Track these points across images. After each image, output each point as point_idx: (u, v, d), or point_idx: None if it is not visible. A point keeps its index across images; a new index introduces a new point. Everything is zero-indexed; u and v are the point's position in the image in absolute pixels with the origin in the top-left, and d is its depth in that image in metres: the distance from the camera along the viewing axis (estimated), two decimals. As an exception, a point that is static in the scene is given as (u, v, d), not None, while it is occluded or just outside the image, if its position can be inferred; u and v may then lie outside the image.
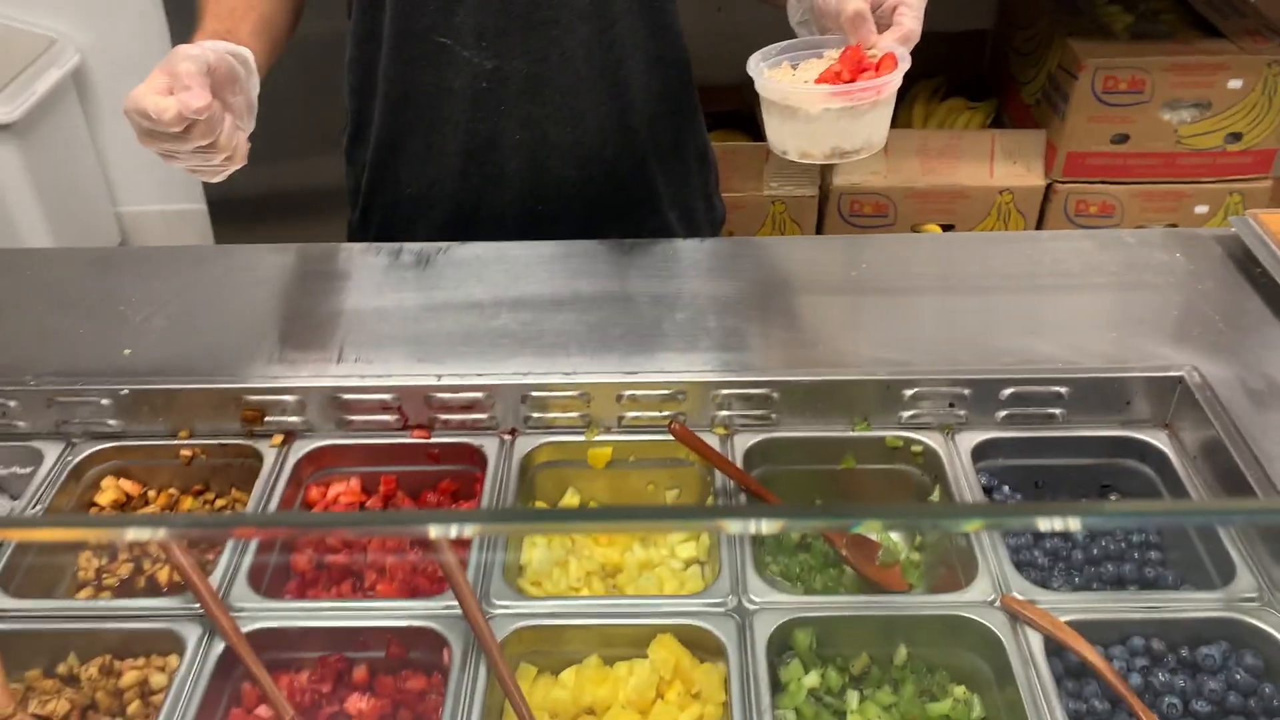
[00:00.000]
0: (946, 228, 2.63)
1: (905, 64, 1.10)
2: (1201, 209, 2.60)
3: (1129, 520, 0.55)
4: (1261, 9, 2.63)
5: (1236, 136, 2.53)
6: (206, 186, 3.08)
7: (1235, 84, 2.46)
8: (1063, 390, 1.15)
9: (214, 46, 1.12)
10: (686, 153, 1.49)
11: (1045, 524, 0.47)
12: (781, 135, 1.15)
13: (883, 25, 1.14)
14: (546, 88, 1.33)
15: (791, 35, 1.23)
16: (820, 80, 1.11)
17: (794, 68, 1.18)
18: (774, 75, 1.16)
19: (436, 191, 1.41)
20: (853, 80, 1.09)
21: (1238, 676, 0.94)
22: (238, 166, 1.13)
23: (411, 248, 1.38)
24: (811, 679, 0.97)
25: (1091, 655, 0.94)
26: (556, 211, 1.41)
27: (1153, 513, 0.53)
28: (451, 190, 1.41)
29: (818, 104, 1.10)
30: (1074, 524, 0.47)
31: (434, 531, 0.50)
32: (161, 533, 0.53)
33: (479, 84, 1.32)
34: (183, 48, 1.10)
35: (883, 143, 1.15)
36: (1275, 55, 2.43)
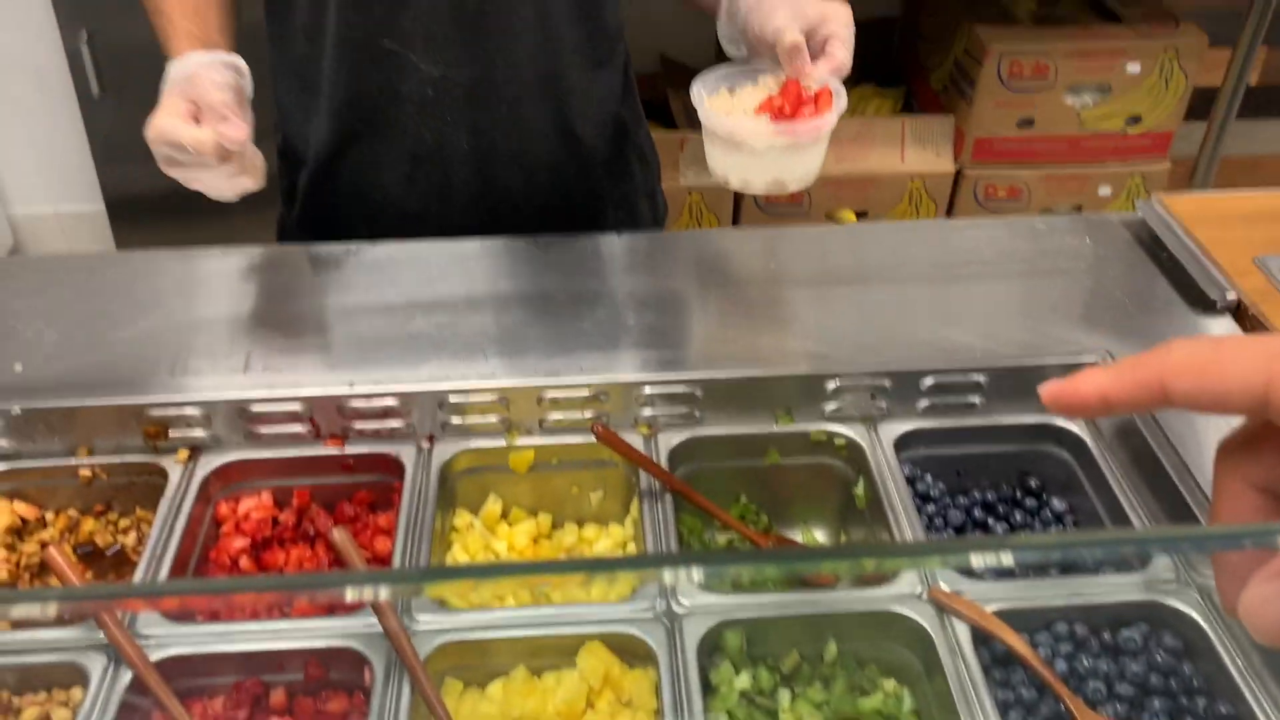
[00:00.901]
0: (860, 215, 2.65)
1: (842, 100, 1.14)
2: (1105, 191, 2.67)
3: (1072, 552, 0.55)
4: (1157, -6, 2.70)
5: (1136, 119, 2.59)
6: (104, 186, 2.97)
7: (1134, 68, 2.52)
8: (981, 379, 1.16)
9: (214, 61, 1.12)
10: (629, 153, 1.47)
11: (978, 560, 0.46)
12: (724, 165, 1.18)
13: (814, 55, 1.16)
14: (492, 96, 1.31)
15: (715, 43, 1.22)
16: (759, 110, 1.14)
17: (731, 93, 1.20)
18: (714, 103, 1.18)
19: (380, 196, 1.38)
20: (794, 114, 1.12)
21: (1158, 658, 0.96)
22: (257, 187, 1.13)
23: (320, 250, 1.33)
24: (743, 680, 0.96)
25: (1017, 643, 0.95)
26: (502, 218, 1.39)
27: (1104, 541, 0.53)
28: (396, 196, 1.37)
29: (763, 140, 1.13)
30: (1007, 559, 0.46)
31: (349, 594, 0.47)
32: (51, 608, 0.49)
33: (425, 90, 1.29)
34: (204, 71, 1.11)
35: (817, 174, 1.18)
36: (1171, 40, 2.50)
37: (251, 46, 1.27)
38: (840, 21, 1.16)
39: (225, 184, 1.12)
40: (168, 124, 1.07)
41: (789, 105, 1.13)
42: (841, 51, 1.15)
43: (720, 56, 1.26)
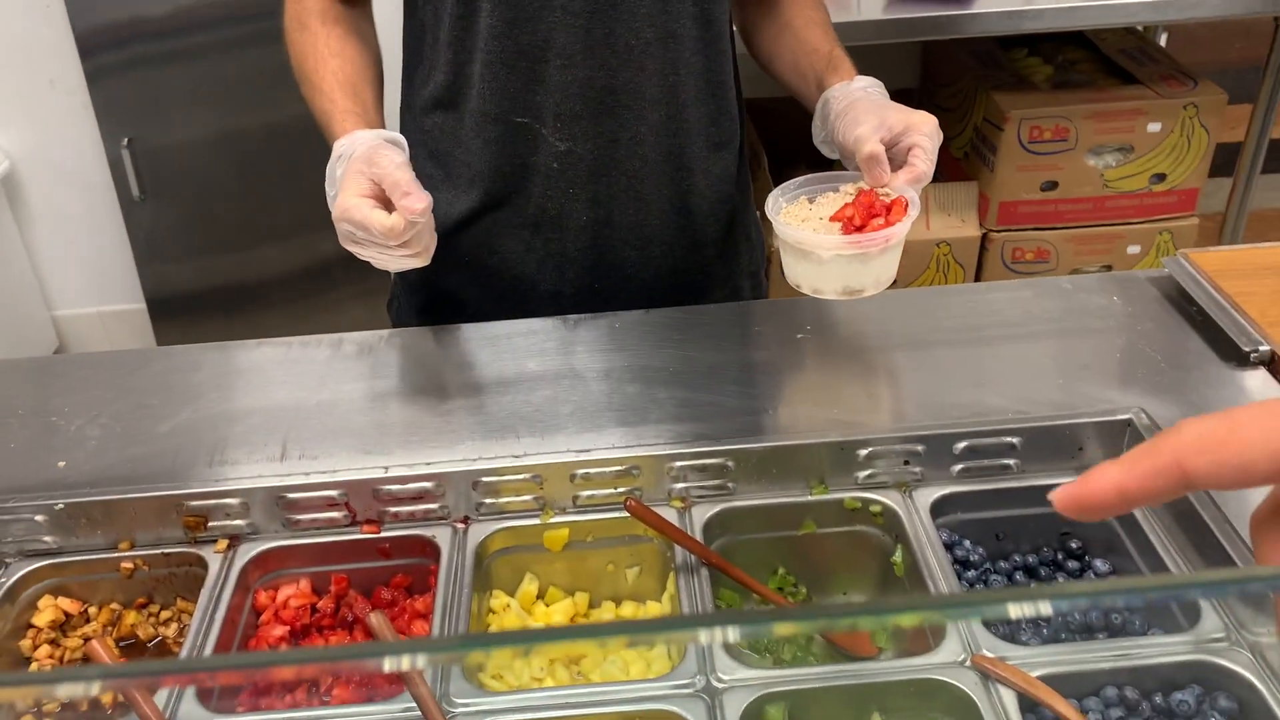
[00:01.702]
0: (888, 282, 2.66)
1: (915, 210, 1.17)
2: (1134, 249, 2.66)
3: (1120, 599, 0.54)
4: (1173, 54, 2.72)
5: (1160, 177, 2.60)
6: (144, 285, 3.05)
7: (1154, 127, 2.53)
8: (1015, 440, 1.15)
9: (381, 140, 1.19)
10: (738, 233, 1.50)
11: (1017, 610, 0.45)
12: (796, 273, 1.22)
13: (897, 163, 1.20)
14: (614, 170, 1.34)
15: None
16: (833, 219, 1.18)
17: (810, 201, 1.25)
18: (791, 211, 1.24)
19: (497, 263, 1.41)
20: (864, 224, 1.16)
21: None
22: (423, 264, 1.18)
23: (351, 338, 1.36)
24: (786, 755, 0.95)
25: (1066, 709, 0.93)
26: (613, 290, 1.42)
27: (1148, 588, 0.52)
28: (512, 263, 1.40)
29: (830, 250, 1.16)
30: (1045, 608, 0.45)
31: (388, 665, 0.47)
32: (95, 687, 0.50)
33: (551, 163, 1.33)
34: (381, 149, 1.16)
35: (891, 279, 1.22)
36: (1189, 98, 2.51)
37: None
38: (923, 132, 1.19)
39: (396, 263, 1.17)
40: (356, 207, 1.12)
41: (860, 215, 1.17)
42: (923, 162, 1.18)
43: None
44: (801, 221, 1.21)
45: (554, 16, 1.25)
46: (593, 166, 1.33)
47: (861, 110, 1.23)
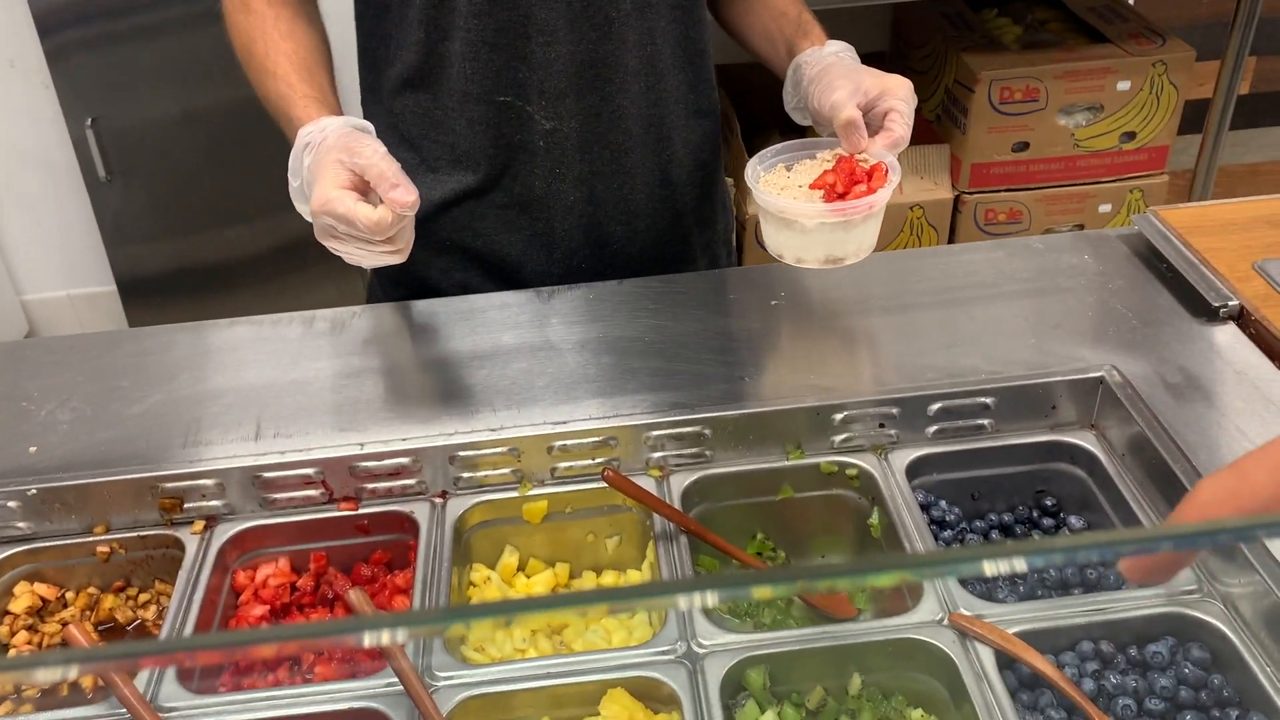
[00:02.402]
0: (863, 247, 2.66)
1: (896, 175, 1.17)
2: (1105, 208, 2.68)
3: (1095, 553, 0.56)
4: (1142, 11, 2.72)
5: (1130, 135, 2.60)
6: (114, 267, 3.01)
7: (1124, 85, 2.54)
8: (989, 401, 1.16)
9: (350, 126, 1.14)
10: (714, 202, 1.49)
11: (992, 568, 0.47)
12: (777, 242, 1.20)
13: (873, 129, 1.19)
14: (598, 144, 1.32)
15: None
16: (814, 186, 1.17)
17: (788, 169, 1.23)
18: (769, 179, 1.22)
19: (480, 246, 1.39)
20: (846, 191, 1.15)
21: (1186, 670, 0.95)
22: (400, 260, 1.13)
23: (323, 314, 1.35)
24: (769, 718, 0.95)
25: (1043, 665, 0.94)
26: (600, 268, 1.40)
27: (1117, 542, 0.55)
28: (496, 246, 1.38)
29: (813, 218, 1.15)
30: (1020, 565, 0.48)
31: (368, 640, 0.48)
32: (74, 671, 0.50)
33: (537, 141, 1.31)
34: (357, 137, 1.11)
35: (873, 246, 1.21)
36: (1159, 55, 2.52)
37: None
38: (899, 96, 1.18)
39: (375, 259, 1.12)
40: (339, 199, 1.07)
41: (841, 182, 1.16)
42: (900, 126, 1.17)
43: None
44: (781, 190, 1.20)
45: None
46: (579, 143, 1.32)
47: (835, 75, 1.22)
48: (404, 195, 1.07)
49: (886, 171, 1.17)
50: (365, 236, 1.08)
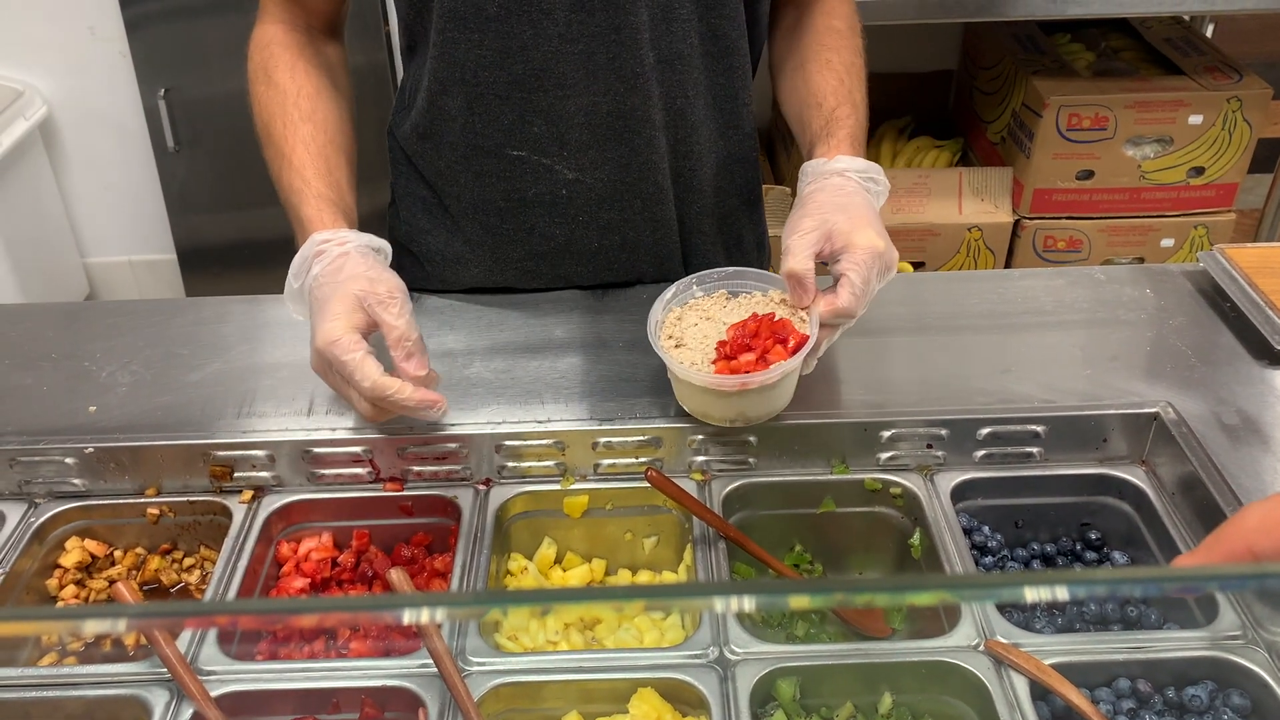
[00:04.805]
0: (917, 265, 2.65)
1: (812, 343, 1.07)
2: (1168, 242, 2.64)
3: (1134, 588, 0.55)
4: (1219, 45, 2.68)
5: (1199, 170, 2.56)
6: (176, 236, 3.07)
7: (1196, 119, 2.50)
8: (1039, 429, 1.15)
9: (368, 249, 1.12)
10: (748, 243, 1.45)
11: (1034, 594, 0.47)
12: (681, 395, 1.13)
13: (835, 279, 1.11)
14: (628, 194, 1.29)
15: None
16: (736, 340, 1.08)
17: (731, 297, 1.16)
18: (700, 306, 1.15)
19: (496, 287, 1.38)
20: (766, 351, 1.06)
21: (1225, 717, 0.94)
22: (377, 421, 1.12)
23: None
24: (796, 730, 0.95)
25: (1077, 699, 0.93)
26: None
27: (1159, 579, 0.54)
28: (515, 286, 1.38)
29: (713, 387, 1.07)
30: (1062, 593, 0.47)
31: (407, 617, 0.49)
32: (122, 624, 0.51)
33: (559, 191, 1.28)
34: (379, 273, 1.08)
35: (786, 404, 1.13)
36: (1234, 91, 2.48)
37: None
38: (856, 261, 1.08)
39: (354, 405, 1.09)
40: (347, 345, 1.04)
41: (762, 342, 1.07)
42: (847, 297, 1.07)
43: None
44: (705, 320, 1.13)
45: (550, 46, 1.19)
46: (604, 193, 1.29)
47: (811, 209, 1.13)
48: (416, 369, 1.06)
49: (802, 345, 1.06)
50: (355, 389, 1.06)
